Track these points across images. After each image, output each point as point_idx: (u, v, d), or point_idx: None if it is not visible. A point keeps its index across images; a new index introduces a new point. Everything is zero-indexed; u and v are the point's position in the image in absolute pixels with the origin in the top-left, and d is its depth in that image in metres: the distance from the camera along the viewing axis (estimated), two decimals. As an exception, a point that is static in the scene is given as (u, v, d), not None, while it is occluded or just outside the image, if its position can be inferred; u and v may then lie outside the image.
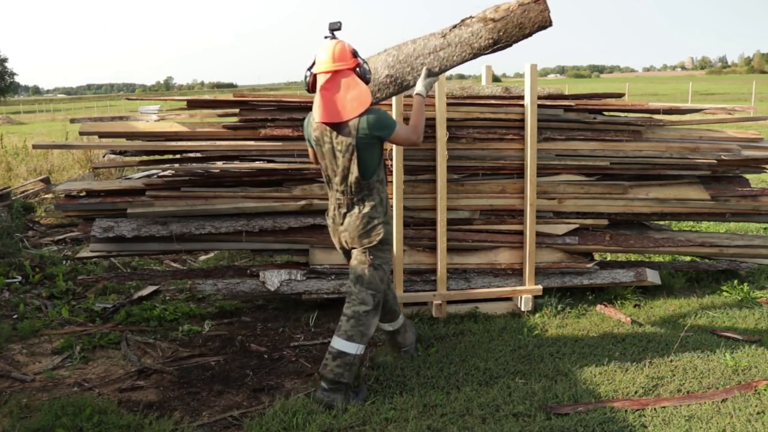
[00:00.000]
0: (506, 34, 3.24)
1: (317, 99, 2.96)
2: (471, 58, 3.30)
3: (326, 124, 2.94)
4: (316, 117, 2.98)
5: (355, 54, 2.99)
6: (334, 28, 3.05)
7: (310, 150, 3.23)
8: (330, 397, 2.97)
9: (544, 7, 3.23)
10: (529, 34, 3.27)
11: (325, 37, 3.05)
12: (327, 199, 3.95)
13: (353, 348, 3.02)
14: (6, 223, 6.27)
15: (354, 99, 2.92)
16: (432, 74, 3.31)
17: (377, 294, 3.08)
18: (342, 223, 3.08)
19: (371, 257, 3.06)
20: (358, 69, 2.97)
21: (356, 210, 3.04)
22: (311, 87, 3.07)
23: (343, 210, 3.07)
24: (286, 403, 2.97)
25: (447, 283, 4.05)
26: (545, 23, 3.24)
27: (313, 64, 3.02)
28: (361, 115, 2.91)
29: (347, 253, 3.20)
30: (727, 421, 2.77)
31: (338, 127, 2.93)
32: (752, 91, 26.54)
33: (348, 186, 3.01)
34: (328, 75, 2.93)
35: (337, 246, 3.22)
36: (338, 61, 2.93)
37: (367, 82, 2.99)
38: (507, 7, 3.24)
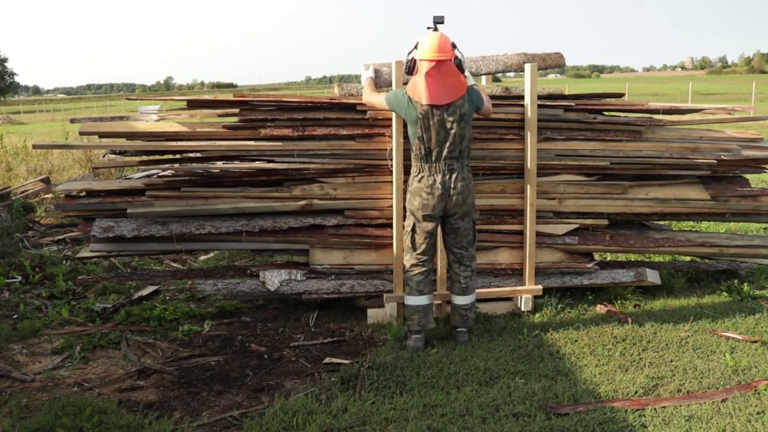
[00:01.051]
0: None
1: (423, 82, 3.43)
2: (501, 72, 4.24)
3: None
4: (423, 99, 3.43)
5: (454, 46, 3.52)
6: (438, 21, 3.57)
7: (380, 103, 3.68)
8: (468, 335, 3.75)
9: (560, 56, 4.24)
10: (546, 68, 4.27)
11: (428, 28, 3.58)
12: (327, 199, 3.99)
13: (475, 297, 3.80)
14: (6, 223, 6.27)
15: (453, 87, 3.46)
16: (473, 75, 4.03)
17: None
18: (455, 187, 3.52)
19: (473, 220, 3.71)
20: (455, 60, 3.51)
21: (466, 174, 3.59)
22: (411, 70, 3.56)
23: (455, 174, 3.53)
24: (286, 403, 2.97)
25: (447, 282, 4.05)
26: (560, 65, 4.29)
27: (414, 48, 3.54)
28: (468, 91, 3.51)
29: (436, 220, 3.59)
30: (727, 421, 2.78)
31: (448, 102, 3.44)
32: (752, 91, 26.53)
33: (461, 152, 3.53)
34: (434, 63, 3.42)
35: (436, 212, 3.55)
36: (442, 52, 3.43)
37: (462, 71, 3.55)
38: (541, 52, 4.21)
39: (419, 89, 3.45)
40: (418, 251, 3.65)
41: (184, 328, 4.00)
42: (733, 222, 5.62)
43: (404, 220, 3.79)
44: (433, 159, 3.51)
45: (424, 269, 3.66)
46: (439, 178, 3.51)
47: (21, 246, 5.92)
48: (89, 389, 3.23)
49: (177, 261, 5.60)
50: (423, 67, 3.46)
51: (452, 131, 3.46)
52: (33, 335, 3.95)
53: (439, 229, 3.71)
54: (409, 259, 3.69)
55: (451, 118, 3.44)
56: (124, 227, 3.88)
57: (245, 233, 3.98)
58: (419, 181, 3.56)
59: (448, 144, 3.47)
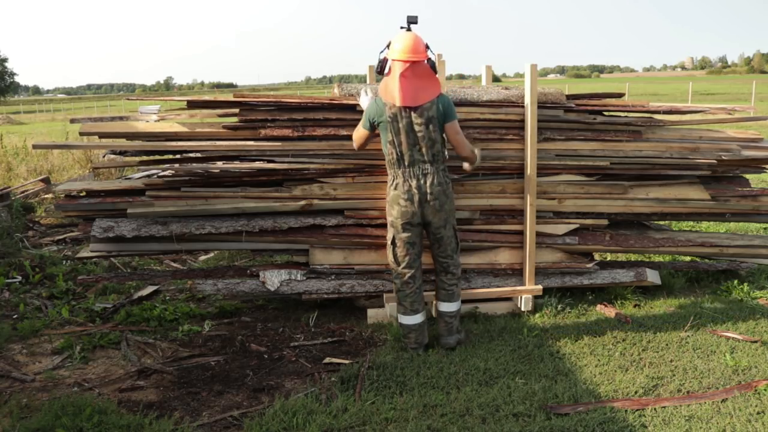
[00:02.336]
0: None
1: (396, 83, 3.36)
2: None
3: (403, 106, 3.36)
4: (396, 100, 3.36)
5: (427, 47, 3.41)
6: (412, 21, 3.48)
7: (361, 131, 3.56)
8: (456, 338, 3.63)
9: (561, 92, 4.19)
10: (545, 102, 4.15)
11: (402, 28, 3.48)
12: (327, 199, 3.99)
13: (460, 304, 3.71)
14: (6, 223, 6.27)
15: (427, 88, 3.38)
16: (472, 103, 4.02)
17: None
18: (432, 192, 3.43)
19: (454, 228, 3.59)
20: (428, 61, 3.41)
21: (443, 179, 3.48)
22: (382, 70, 3.48)
23: (430, 179, 3.43)
24: (286, 403, 2.97)
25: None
26: (560, 101, 4.19)
27: (386, 48, 3.44)
28: (440, 94, 3.40)
29: (416, 228, 3.51)
30: (727, 421, 2.78)
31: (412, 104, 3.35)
32: (752, 91, 26.53)
33: (433, 155, 3.42)
34: (407, 64, 3.35)
35: (415, 219, 3.47)
36: (416, 52, 3.36)
37: (435, 73, 3.44)
38: (543, 89, 4.20)
39: (391, 90, 3.38)
40: (403, 265, 3.54)
41: (184, 328, 4.00)
42: (733, 222, 5.62)
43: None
44: (406, 164, 3.42)
45: (414, 286, 3.56)
46: (414, 183, 3.42)
47: (21, 246, 5.92)
48: (89, 389, 3.23)
49: (177, 261, 5.60)
50: (396, 68, 3.37)
51: (420, 134, 3.37)
52: (33, 335, 3.95)
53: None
54: (396, 277, 3.59)
55: (419, 121, 3.36)
56: (124, 227, 3.88)
57: (245, 233, 3.98)
58: (395, 188, 3.47)
59: (418, 148, 3.39)
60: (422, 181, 3.43)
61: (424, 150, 3.40)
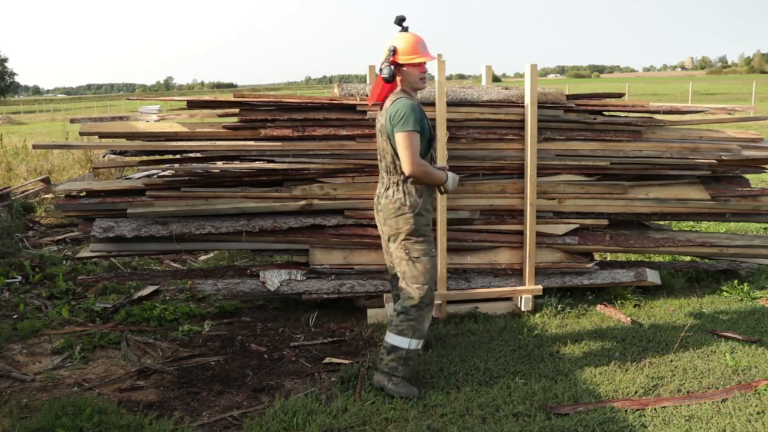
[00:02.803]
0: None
1: None
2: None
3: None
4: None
5: (392, 51, 3.06)
6: (399, 21, 3.30)
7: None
8: (380, 381, 3.12)
9: (561, 92, 4.22)
10: (545, 102, 4.17)
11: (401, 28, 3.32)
12: (327, 199, 3.99)
13: (405, 342, 3.08)
14: (6, 223, 6.27)
15: (372, 91, 3.22)
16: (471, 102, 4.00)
17: (423, 286, 3.09)
18: (379, 202, 3.19)
19: (406, 251, 3.10)
20: (390, 66, 3.11)
21: (391, 192, 3.10)
22: None
23: (382, 189, 3.16)
24: (286, 403, 2.97)
25: (447, 282, 4.05)
26: (560, 101, 4.21)
27: None
28: (394, 101, 3.05)
29: (385, 235, 3.27)
30: (727, 421, 2.78)
31: (382, 109, 3.18)
32: (752, 91, 26.54)
33: (386, 166, 3.12)
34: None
35: (379, 225, 3.27)
36: (385, 54, 3.16)
37: (386, 81, 3.08)
38: (543, 89, 4.23)
39: None
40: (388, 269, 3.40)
41: (184, 328, 4.00)
42: (733, 222, 5.62)
43: None
44: (380, 167, 3.24)
45: (393, 293, 3.41)
46: (378, 188, 3.25)
47: (21, 246, 5.92)
48: (89, 389, 3.23)
49: (177, 261, 5.60)
50: None
51: (378, 140, 3.18)
52: (33, 335, 3.95)
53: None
54: None
55: (379, 127, 3.17)
56: (124, 227, 3.88)
57: (245, 233, 3.98)
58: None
59: (378, 155, 3.21)
60: (379, 189, 3.22)
61: (379, 157, 3.20)
